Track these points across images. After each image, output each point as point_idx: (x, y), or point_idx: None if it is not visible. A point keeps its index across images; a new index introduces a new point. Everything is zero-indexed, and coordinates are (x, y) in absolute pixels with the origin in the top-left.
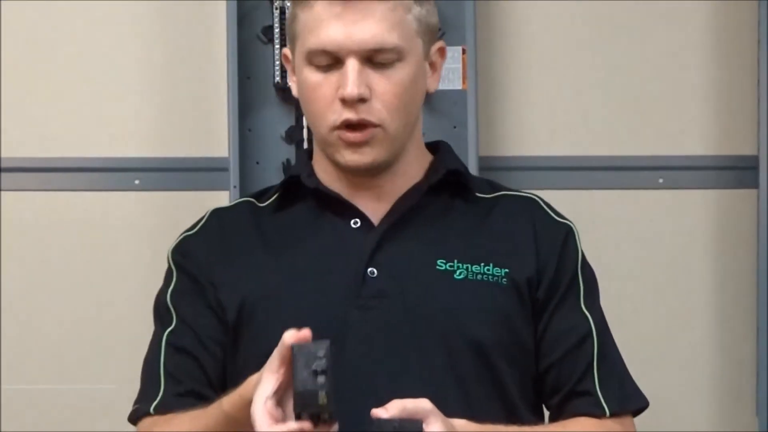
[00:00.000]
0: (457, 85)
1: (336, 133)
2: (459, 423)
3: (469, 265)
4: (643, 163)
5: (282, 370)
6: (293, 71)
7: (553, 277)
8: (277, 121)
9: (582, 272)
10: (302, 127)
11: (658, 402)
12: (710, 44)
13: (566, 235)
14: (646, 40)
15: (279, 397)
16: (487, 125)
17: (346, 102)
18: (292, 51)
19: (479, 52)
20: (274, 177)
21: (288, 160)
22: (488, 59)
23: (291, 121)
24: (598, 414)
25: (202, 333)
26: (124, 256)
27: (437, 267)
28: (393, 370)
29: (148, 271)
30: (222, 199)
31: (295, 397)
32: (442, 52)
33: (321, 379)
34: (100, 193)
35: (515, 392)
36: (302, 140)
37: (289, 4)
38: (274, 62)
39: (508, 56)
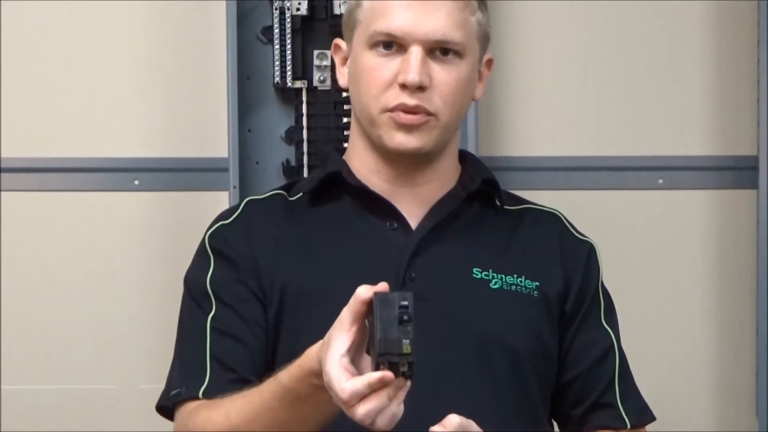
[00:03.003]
0: None
1: (388, 114)
2: None
3: (503, 276)
4: (643, 163)
5: (354, 328)
6: (343, 62)
7: (578, 293)
8: (277, 121)
9: (602, 289)
10: (302, 128)
11: (658, 402)
12: (710, 44)
13: (589, 252)
14: (646, 40)
15: (351, 356)
16: (487, 125)
17: (406, 87)
18: (349, 40)
19: None
20: (274, 177)
21: (288, 161)
22: None
23: (291, 122)
24: (620, 426)
25: (248, 318)
26: (124, 256)
27: (473, 275)
28: (430, 371)
29: (149, 272)
30: (222, 199)
31: (378, 344)
32: (489, 64)
33: (406, 327)
34: (99, 193)
35: (539, 401)
36: (302, 141)
37: (288, 4)
38: (273, 63)
39: (507, 57)
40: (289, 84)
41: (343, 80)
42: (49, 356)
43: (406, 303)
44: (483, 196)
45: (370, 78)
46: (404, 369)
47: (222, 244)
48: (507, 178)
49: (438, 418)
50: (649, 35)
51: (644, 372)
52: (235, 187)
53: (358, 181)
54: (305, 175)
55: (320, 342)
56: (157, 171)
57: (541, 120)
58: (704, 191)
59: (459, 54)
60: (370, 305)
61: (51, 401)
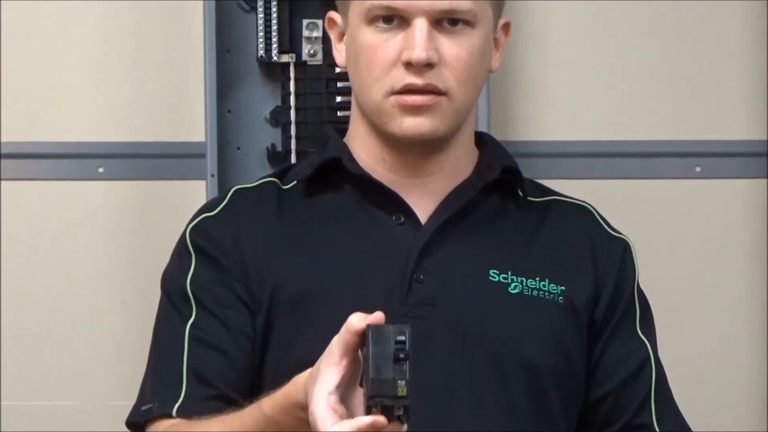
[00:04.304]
0: None
1: (393, 98)
2: None
3: (524, 279)
4: (678, 148)
5: (345, 362)
6: (339, 38)
7: (610, 299)
8: (261, 101)
9: (638, 293)
10: (289, 108)
11: (699, 416)
12: (755, 15)
13: (624, 252)
14: (682, 9)
15: (341, 393)
16: (500, 107)
17: (412, 66)
18: (344, 13)
19: None
20: (257, 164)
21: (273, 145)
22: None
23: (276, 101)
24: None
25: (233, 326)
26: (87, 254)
27: (490, 277)
28: (438, 385)
29: (115, 272)
30: (198, 189)
31: (370, 385)
32: (506, 29)
33: (402, 366)
34: (58, 182)
35: (562, 423)
36: (289, 123)
37: None
38: (257, 34)
39: (522, 26)
40: (275, 58)
41: (340, 58)
42: (2, 368)
43: (403, 338)
44: (503, 186)
45: (370, 58)
46: (399, 413)
47: (205, 241)
48: (522, 166)
49: None
50: (690, 10)
51: (682, 380)
52: (213, 175)
53: (361, 170)
54: (293, 161)
55: (309, 371)
56: (124, 157)
57: (561, 100)
58: (747, 180)
59: (470, 23)
60: (363, 335)
61: (4, 419)
